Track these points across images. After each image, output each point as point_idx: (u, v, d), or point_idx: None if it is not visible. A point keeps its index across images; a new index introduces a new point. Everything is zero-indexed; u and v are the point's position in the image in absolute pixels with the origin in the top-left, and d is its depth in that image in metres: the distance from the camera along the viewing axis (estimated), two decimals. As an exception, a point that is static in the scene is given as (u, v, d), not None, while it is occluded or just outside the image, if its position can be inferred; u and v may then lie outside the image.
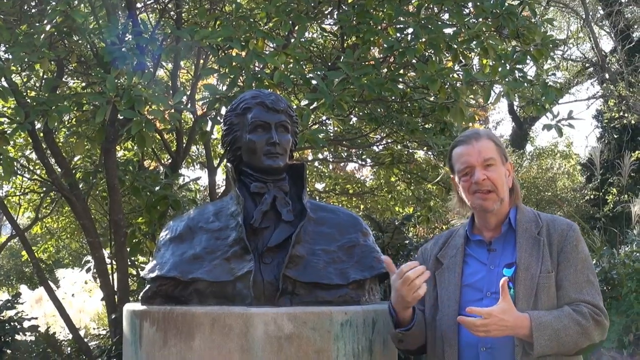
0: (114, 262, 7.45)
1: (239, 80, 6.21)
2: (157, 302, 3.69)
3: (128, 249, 7.28)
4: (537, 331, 3.23)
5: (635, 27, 26.06)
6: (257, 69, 6.91)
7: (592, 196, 21.29)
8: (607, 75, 25.48)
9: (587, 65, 27.49)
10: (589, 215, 19.81)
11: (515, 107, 26.21)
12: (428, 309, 3.65)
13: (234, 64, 6.00)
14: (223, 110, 6.74)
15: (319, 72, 6.73)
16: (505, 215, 3.61)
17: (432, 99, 8.13)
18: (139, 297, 3.82)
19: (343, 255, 3.77)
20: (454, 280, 3.58)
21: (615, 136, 24.56)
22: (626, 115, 23.40)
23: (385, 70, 7.21)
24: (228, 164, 3.96)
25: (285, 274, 3.61)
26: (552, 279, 3.40)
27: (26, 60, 6.18)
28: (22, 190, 9.91)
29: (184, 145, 8.51)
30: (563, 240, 3.46)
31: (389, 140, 10.35)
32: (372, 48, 7.61)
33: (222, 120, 4.09)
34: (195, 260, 3.68)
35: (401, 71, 7.13)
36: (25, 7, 6.99)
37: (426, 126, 8.95)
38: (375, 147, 10.90)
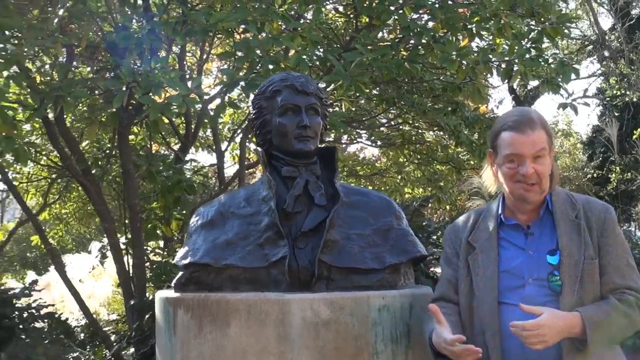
0: (128, 248, 7.41)
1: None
2: (190, 289, 3.65)
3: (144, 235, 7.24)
4: (590, 329, 3.16)
5: (635, 4, 25.92)
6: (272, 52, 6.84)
7: (594, 174, 21.26)
8: (606, 53, 25.40)
9: (586, 43, 27.35)
10: (592, 194, 19.81)
11: (514, 86, 26.07)
12: (463, 296, 3.50)
13: (250, 46, 5.93)
14: (233, 94, 6.69)
15: (333, 55, 6.65)
16: (542, 199, 3.50)
17: (442, 78, 8.07)
18: (172, 284, 3.78)
19: (378, 239, 3.71)
20: (491, 265, 3.44)
21: (617, 114, 24.53)
22: (628, 92, 23.34)
23: (401, 50, 7.14)
24: (258, 148, 3.90)
25: (320, 259, 3.56)
26: (596, 266, 3.32)
27: (37, 46, 6.11)
28: (29, 177, 9.85)
29: (193, 129, 8.47)
30: (602, 225, 3.38)
31: (399, 121, 10.32)
32: (383, 29, 7.55)
33: (250, 104, 4.02)
34: (228, 246, 3.63)
35: (420, 52, 7.05)
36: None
37: (435, 106, 8.91)
38: (383, 128, 10.88)
